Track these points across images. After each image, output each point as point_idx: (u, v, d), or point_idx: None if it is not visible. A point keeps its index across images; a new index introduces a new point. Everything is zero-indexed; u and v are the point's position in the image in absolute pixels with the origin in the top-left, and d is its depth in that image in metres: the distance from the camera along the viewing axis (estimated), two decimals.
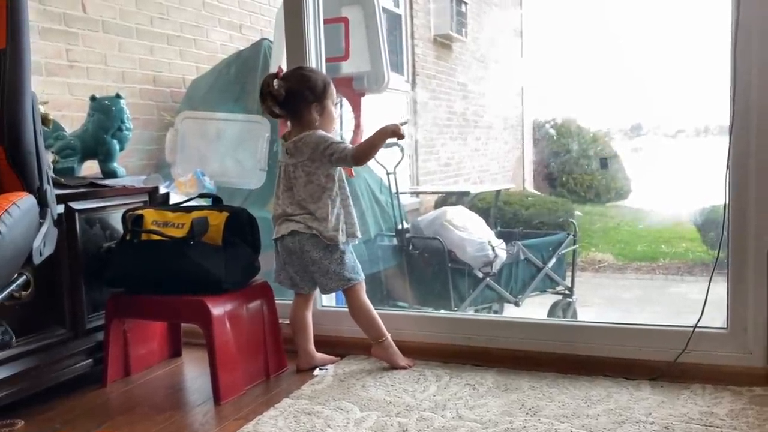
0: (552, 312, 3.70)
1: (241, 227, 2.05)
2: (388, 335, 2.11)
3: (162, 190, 2.31)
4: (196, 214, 2.03)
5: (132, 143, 3.43)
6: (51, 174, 1.93)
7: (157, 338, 2.27)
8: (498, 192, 4.93)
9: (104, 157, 2.18)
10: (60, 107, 2.96)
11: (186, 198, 2.18)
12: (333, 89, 2.06)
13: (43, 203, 1.44)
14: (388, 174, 3.42)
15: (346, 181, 2.09)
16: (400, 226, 3.46)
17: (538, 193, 9.40)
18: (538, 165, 10.42)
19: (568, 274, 3.84)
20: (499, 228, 4.15)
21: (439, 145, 7.84)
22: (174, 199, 3.02)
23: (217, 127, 3.37)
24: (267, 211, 3.27)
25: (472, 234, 3.35)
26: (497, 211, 4.78)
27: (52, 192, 1.49)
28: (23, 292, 1.85)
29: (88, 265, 2.04)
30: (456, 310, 3.35)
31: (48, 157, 1.99)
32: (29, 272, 1.83)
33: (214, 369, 1.90)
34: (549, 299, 3.78)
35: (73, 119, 2.91)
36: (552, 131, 9.84)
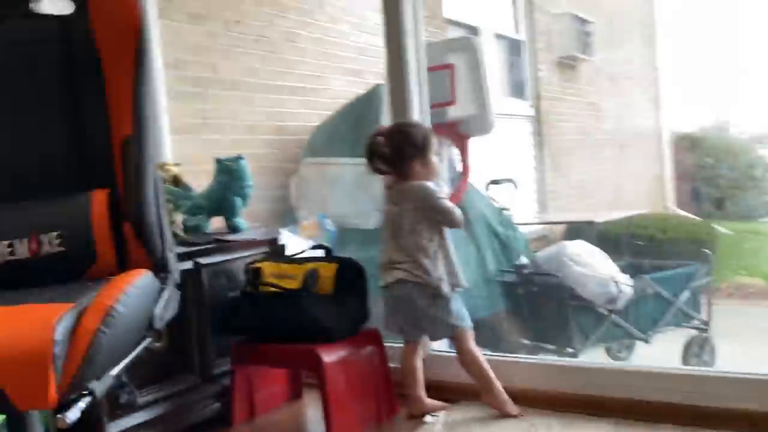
0: (687, 349, 3.50)
1: (351, 277, 2.14)
2: (498, 383, 2.11)
3: (280, 241, 2.46)
4: (308, 266, 2.15)
5: (263, 190, 3.68)
6: (181, 233, 2.13)
7: (280, 381, 2.41)
8: (630, 219, 4.74)
9: (229, 213, 2.37)
10: (197, 162, 3.23)
11: (300, 251, 2.31)
12: (434, 141, 2.12)
13: (166, 269, 1.60)
14: (502, 210, 3.42)
15: (448, 233, 2.13)
16: (518, 262, 3.44)
17: (681, 212, 8.90)
18: (679, 181, 9.87)
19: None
20: (628, 259, 3.99)
21: (569, 167, 7.66)
22: (295, 242, 3.21)
23: (336, 171, 3.53)
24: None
25: (594, 269, 3.25)
26: (629, 238, 4.59)
27: (174, 259, 1.65)
28: (156, 344, 2.04)
29: (215, 314, 2.21)
30: (580, 349, 3.25)
31: (178, 217, 2.19)
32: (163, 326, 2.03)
33: (327, 415, 1.99)
34: (683, 334, 3.58)
35: (208, 173, 3.18)
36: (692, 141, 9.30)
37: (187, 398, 2.13)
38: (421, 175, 2.09)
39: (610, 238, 4.63)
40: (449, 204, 2.07)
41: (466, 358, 2.12)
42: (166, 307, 1.53)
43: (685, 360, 3.48)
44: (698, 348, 3.50)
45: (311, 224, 3.47)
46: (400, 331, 2.19)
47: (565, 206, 7.44)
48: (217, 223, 2.54)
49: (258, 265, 2.21)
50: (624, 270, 3.59)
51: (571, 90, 7.80)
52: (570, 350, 3.28)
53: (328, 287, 2.10)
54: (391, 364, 2.25)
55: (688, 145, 10.14)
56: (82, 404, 1.12)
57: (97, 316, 1.15)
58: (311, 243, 3.32)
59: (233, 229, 2.36)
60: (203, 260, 2.20)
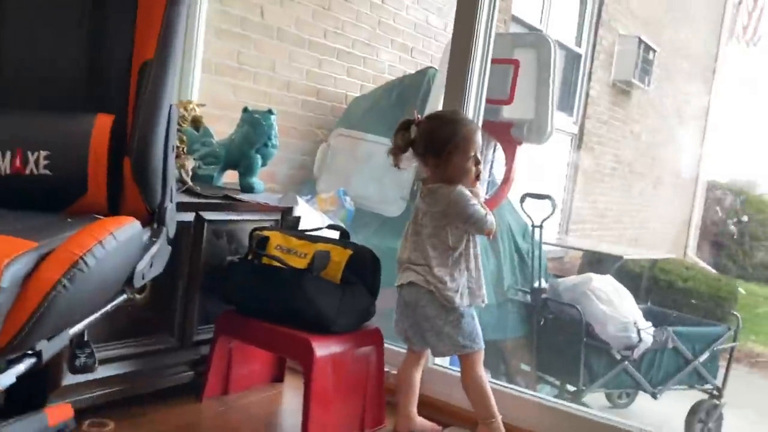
0: (694, 413, 3.27)
1: (363, 268, 1.93)
2: (499, 417, 1.89)
3: (295, 212, 2.25)
4: (320, 246, 1.93)
5: (287, 152, 3.46)
6: (188, 180, 1.91)
7: (262, 360, 2.20)
8: (654, 261, 4.50)
9: (245, 170, 2.15)
10: (223, 107, 3.02)
11: (314, 228, 2.09)
12: (477, 140, 1.87)
13: (160, 221, 1.39)
14: (533, 227, 3.19)
15: (478, 241, 1.90)
16: (537, 284, 3.21)
17: (700, 263, 8.62)
18: (705, 231, 9.58)
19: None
20: (650, 303, 3.76)
21: (597, 193, 7.40)
22: (309, 214, 3.00)
23: (367, 149, 3.31)
24: (396, 243, 3.16)
25: (617, 310, 3.02)
26: (650, 281, 4.35)
27: (173, 211, 1.44)
28: (138, 295, 1.84)
29: (208, 276, 2.01)
30: (584, 390, 3.04)
31: (189, 163, 1.98)
32: None
33: (306, 412, 1.79)
34: (691, 395, 3.35)
35: (232, 120, 2.96)
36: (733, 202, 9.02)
37: (159, 360, 1.93)
38: (456, 175, 1.86)
39: (630, 276, 4.40)
40: (482, 211, 1.84)
41: (471, 384, 1.90)
42: (152, 264, 1.32)
43: (689, 425, 3.26)
44: (705, 414, 3.28)
45: (330, 198, 3.26)
46: (405, 338, 1.97)
47: (586, 232, 7.20)
48: (230, 178, 2.33)
49: (266, 233, 1.99)
50: (647, 316, 3.37)
51: (618, 115, 7.52)
52: (572, 388, 3.07)
53: (337, 274, 1.88)
54: (389, 368, 2.04)
55: (721, 195, 9.84)
56: (22, 367, 0.91)
57: (60, 266, 0.94)
58: (326, 219, 3.12)
59: (247, 188, 2.15)
60: (207, 215, 1.98)
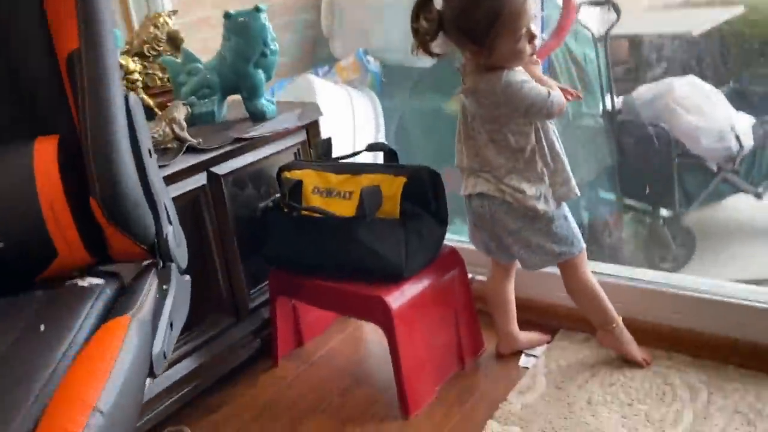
0: None
1: (423, 193, 1.57)
2: (619, 320, 1.61)
3: (323, 131, 1.85)
4: (365, 179, 1.56)
5: (284, 15, 2.94)
6: (184, 133, 1.53)
7: None
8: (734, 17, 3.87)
9: (248, 93, 1.73)
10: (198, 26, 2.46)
11: (351, 153, 1.70)
12: (530, 7, 1.39)
13: (164, 257, 1.05)
14: (596, 41, 2.67)
15: (552, 125, 1.50)
16: (609, 107, 2.76)
17: None
18: None
19: None
20: (732, 83, 3.26)
21: None
22: (330, 90, 2.58)
23: None
24: (441, 100, 2.73)
25: (709, 118, 2.58)
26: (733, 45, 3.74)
27: (177, 234, 1.09)
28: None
29: (244, 234, 1.69)
30: (681, 212, 2.70)
31: (180, 113, 1.57)
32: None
33: (398, 368, 1.54)
34: None
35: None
36: None
37: (222, 344, 1.68)
38: (505, 58, 1.40)
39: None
40: (542, 92, 1.41)
41: (578, 291, 1.60)
42: (171, 325, 1.00)
43: None
44: None
45: (350, 65, 2.79)
46: (487, 251, 1.66)
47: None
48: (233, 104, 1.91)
49: (297, 174, 1.63)
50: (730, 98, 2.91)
51: None
52: (667, 213, 2.74)
53: (394, 209, 1.53)
54: (472, 274, 1.75)
55: None
56: None
57: None
58: (353, 93, 2.69)
59: (257, 114, 1.74)
60: (221, 168, 1.62)
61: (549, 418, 1.48)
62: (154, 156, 1.05)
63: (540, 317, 1.81)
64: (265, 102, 1.74)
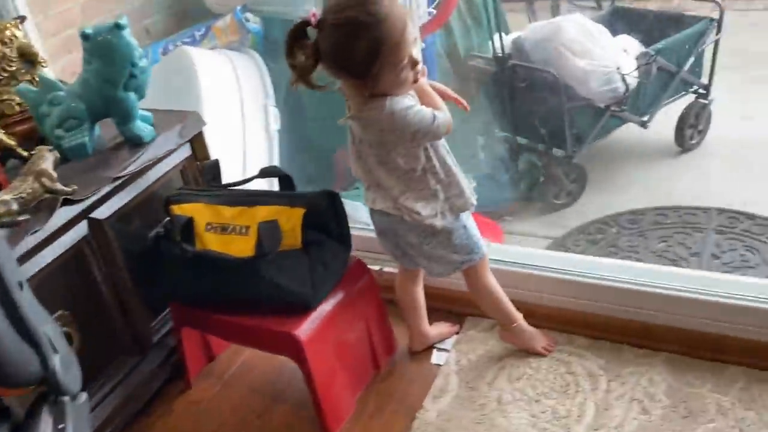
0: (683, 119, 3.05)
1: (324, 221, 1.52)
2: (519, 317, 1.67)
3: (202, 128, 1.72)
4: (261, 211, 1.49)
5: None
6: (61, 187, 1.41)
7: None
8: None
9: (121, 118, 1.58)
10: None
11: (242, 180, 1.60)
12: (410, 35, 1.30)
13: (55, 390, 0.98)
14: None
15: (439, 143, 1.46)
16: (499, 52, 2.73)
17: None
18: None
19: None
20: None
21: None
22: (216, 69, 2.42)
23: None
24: None
25: (596, 60, 2.60)
26: None
27: (65, 359, 1.01)
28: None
29: (137, 269, 1.60)
30: (574, 152, 2.77)
31: (48, 164, 1.41)
32: (67, 323, 1.44)
33: (317, 404, 1.55)
34: (677, 107, 3.08)
35: None
36: None
37: (130, 383, 1.63)
38: (389, 87, 1.33)
39: None
40: (427, 115, 1.36)
41: (479, 294, 1.64)
42: None
43: (680, 133, 3.06)
44: (695, 118, 3.06)
45: (228, 26, 2.60)
46: (394, 258, 1.66)
47: None
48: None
49: (186, 209, 1.53)
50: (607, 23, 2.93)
51: None
52: (561, 153, 2.80)
53: (296, 241, 1.49)
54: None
55: None
56: None
57: None
58: (235, 60, 2.52)
59: (134, 139, 1.60)
60: (101, 213, 1.50)
61: (464, 424, 1.55)
62: (26, 287, 0.95)
63: (448, 305, 1.85)
64: (141, 125, 1.60)
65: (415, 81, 1.36)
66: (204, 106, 2.33)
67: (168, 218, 1.58)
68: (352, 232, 1.60)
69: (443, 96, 1.48)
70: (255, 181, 1.60)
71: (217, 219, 1.51)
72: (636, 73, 2.64)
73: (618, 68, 2.58)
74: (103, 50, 1.51)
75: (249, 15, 2.58)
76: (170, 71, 2.42)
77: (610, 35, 2.72)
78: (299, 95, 2.65)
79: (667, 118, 3.07)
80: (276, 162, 2.53)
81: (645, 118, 2.91)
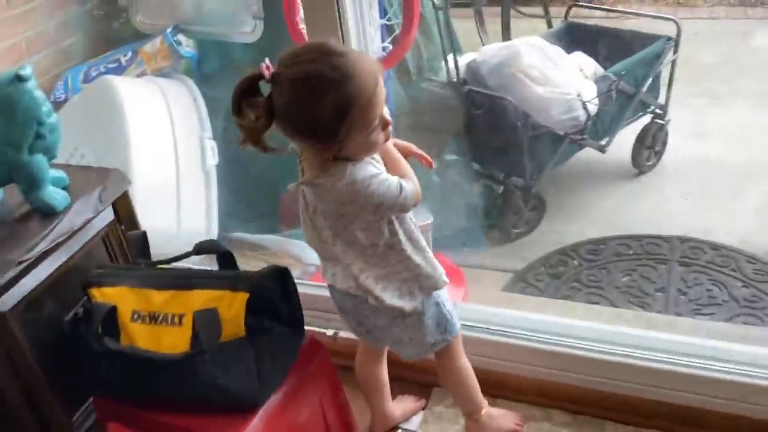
0: (640, 140, 2.95)
1: (271, 304, 1.31)
2: (485, 404, 1.50)
3: (127, 188, 1.49)
4: (197, 297, 1.28)
5: None
6: None
7: None
8: None
9: (27, 185, 1.34)
10: None
11: (175, 257, 1.37)
12: (381, 92, 1.12)
13: None
14: (436, 8, 2.41)
15: (405, 215, 1.27)
16: (454, 75, 2.56)
17: None
18: None
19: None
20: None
21: None
22: (146, 103, 2.18)
23: None
24: None
25: (556, 86, 2.45)
26: None
27: None
28: None
29: (52, 359, 1.36)
30: (533, 182, 2.63)
31: None
32: None
33: None
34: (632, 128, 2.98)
35: None
36: None
37: None
38: (357, 152, 1.15)
39: None
40: (393, 186, 1.17)
41: (450, 379, 1.47)
42: None
43: (637, 155, 2.97)
44: (652, 140, 2.97)
45: (159, 50, 2.34)
46: (356, 334, 1.46)
47: None
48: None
49: (108, 295, 1.30)
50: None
51: None
52: (520, 181, 2.66)
53: (238, 330, 1.27)
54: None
55: None
56: None
57: None
58: (163, 85, 2.28)
59: (43, 208, 1.36)
60: (4, 304, 1.26)
61: None
62: None
63: (413, 374, 1.67)
64: (53, 191, 1.36)
65: (385, 141, 1.17)
66: (131, 144, 2.09)
67: (84, 295, 1.35)
68: (301, 288, 1.39)
69: (406, 153, 1.30)
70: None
71: (146, 306, 1.29)
72: (596, 100, 2.50)
73: (579, 95, 2.44)
74: (2, 107, 1.26)
75: (181, 37, 2.33)
76: (92, 104, 2.17)
77: (569, 58, 2.58)
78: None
79: (622, 138, 2.98)
80: (214, 201, 2.30)
81: (603, 143, 2.79)
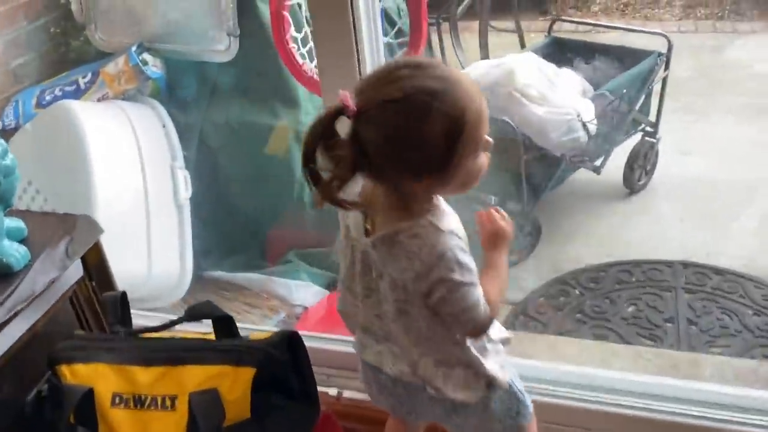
0: (632, 160, 2.83)
1: (281, 377, 1.10)
2: None
3: (98, 237, 1.26)
4: (192, 374, 1.06)
5: None
6: None
7: None
8: None
9: None
10: None
11: (163, 324, 1.15)
12: (485, 112, 0.93)
13: None
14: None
15: None
16: None
17: None
18: None
19: None
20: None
21: None
22: (102, 121, 1.96)
23: None
24: (253, 108, 2.17)
25: (554, 106, 2.30)
26: None
27: None
28: None
29: None
30: (529, 209, 2.48)
31: None
32: None
33: None
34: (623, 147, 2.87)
35: None
36: None
37: None
38: (461, 183, 0.94)
39: None
40: (479, 302, 0.97)
41: None
42: None
43: (629, 175, 2.85)
44: (643, 159, 2.85)
45: (122, 71, 2.10)
46: (392, 411, 1.23)
47: None
48: None
49: (82, 374, 1.07)
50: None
51: None
52: (516, 207, 2.50)
53: (243, 411, 1.06)
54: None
55: None
56: None
57: None
58: (128, 110, 2.05)
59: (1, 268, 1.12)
60: None
61: None
62: None
63: None
64: (10, 247, 1.13)
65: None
66: (94, 177, 1.86)
67: (51, 373, 1.12)
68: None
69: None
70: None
71: (129, 387, 1.06)
72: (595, 120, 2.36)
73: (578, 115, 2.30)
74: None
75: (148, 56, 2.10)
76: (47, 132, 1.93)
77: (566, 76, 2.44)
78: (214, 152, 2.20)
79: (613, 158, 2.86)
80: (188, 238, 2.07)
81: (598, 163, 2.66)
